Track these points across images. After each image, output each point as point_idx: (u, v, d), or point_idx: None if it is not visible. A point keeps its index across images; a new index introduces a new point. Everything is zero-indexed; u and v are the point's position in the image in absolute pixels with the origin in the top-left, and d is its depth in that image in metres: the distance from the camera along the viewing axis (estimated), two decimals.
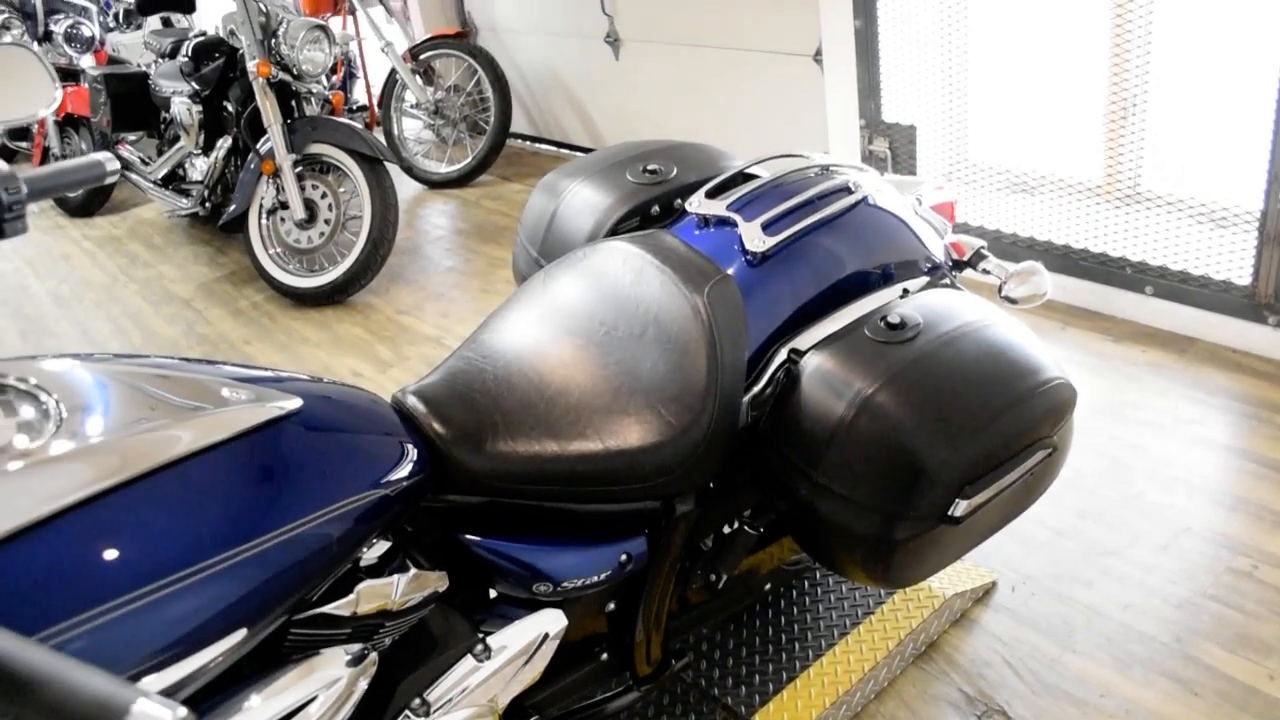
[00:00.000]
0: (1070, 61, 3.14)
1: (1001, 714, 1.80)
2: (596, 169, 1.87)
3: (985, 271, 1.86)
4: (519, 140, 5.68)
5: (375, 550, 1.26)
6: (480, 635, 1.38)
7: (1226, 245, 2.78)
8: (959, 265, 1.88)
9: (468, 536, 1.36)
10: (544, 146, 5.57)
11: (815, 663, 1.87)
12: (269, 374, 1.25)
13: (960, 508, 1.38)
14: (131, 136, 5.06)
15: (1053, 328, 3.03)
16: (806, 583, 2.06)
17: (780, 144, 3.92)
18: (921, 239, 1.76)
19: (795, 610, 1.99)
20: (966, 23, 3.26)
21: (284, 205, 3.95)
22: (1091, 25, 3.00)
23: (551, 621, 1.42)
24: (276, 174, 3.90)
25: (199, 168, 4.48)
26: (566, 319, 1.52)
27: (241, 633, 1.03)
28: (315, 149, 3.90)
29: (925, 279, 1.74)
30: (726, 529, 1.69)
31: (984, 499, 1.41)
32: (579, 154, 5.34)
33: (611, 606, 1.57)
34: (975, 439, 1.39)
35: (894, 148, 3.49)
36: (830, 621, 1.96)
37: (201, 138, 4.39)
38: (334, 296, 3.96)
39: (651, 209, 1.81)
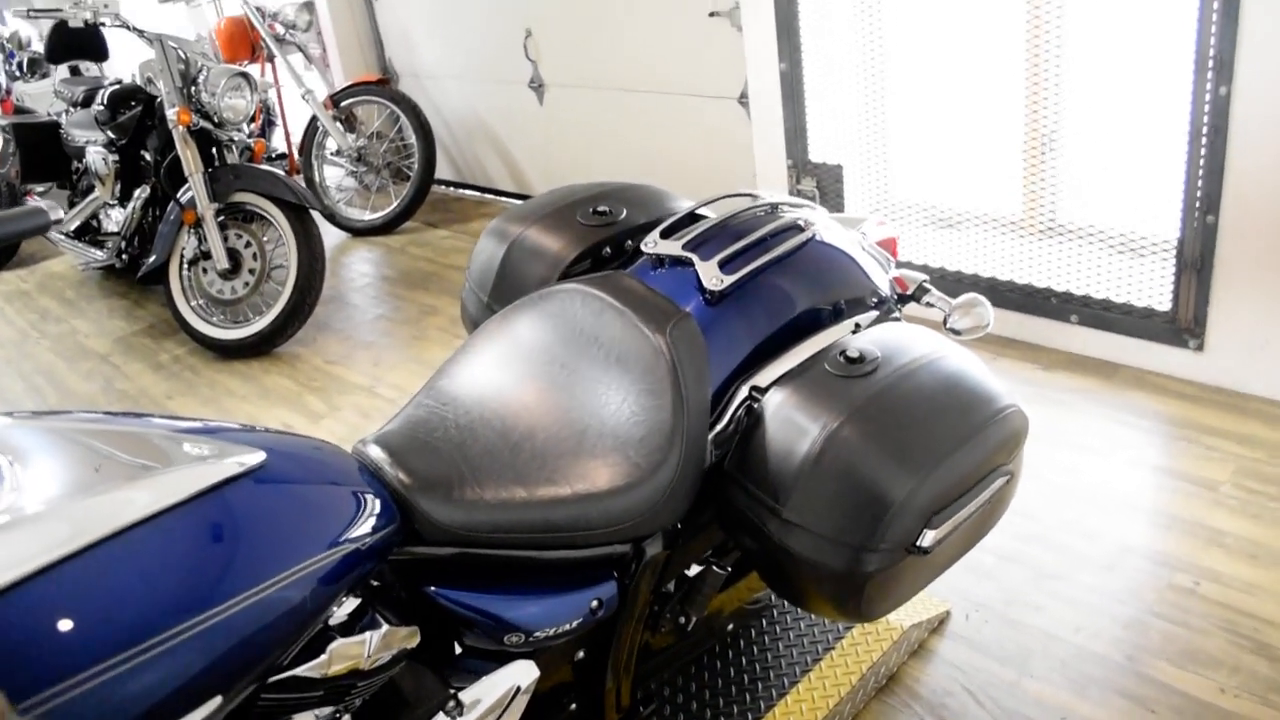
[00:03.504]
0: (987, 99, 3.25)
1: None
2: (545, 212, 1.86)
3: (929, 304, 1.90)
4: (443, 186, 5.65)
5: (344, 608, 1.22)
6: (452, 691, 1.34)
7: (1146, 273, 2.88)
8: (903, 299, 1.92)
9: (435, 590, 1.32)
10: (469, 192, 5.55)
11: (780, 701, 1.86)
12: (228, 426, 1.21)
13: (928, 538, 1.40)
14: (40, 188, 4.90)
15: (985, 358, 3.09)
16: (765, 621, 2.05)
17: (708, 186, 3.96)
18: (869, 274, 1.78)
19: (756, 649, 1.98)
20: (885, 63, 3.35)
21: (206, 255, 3.86)
22: (1006, 63, 3.11)
23: (523, 673, 1.39)
24: (198, 224, 3.81)
25: (114, 218, 4.36)
26: (527, 363, 1.51)
27: (216, 701, 0.98)
28: (239, 197, 3.83)
29: (874, 313, 1.76)
30: (692, 570, 1.68)
31: (950, 528, 1.43)
32: (505, 199, 5.32)
33: (580, 655, 1.54)
34: (940, 469, 1.40)
35: (821, 186, 3.56)
36: (792, 659, 1.96)
37: (118, 188, 4.28)
38: (260, 348, 3.87)
39: (603, 250, 1.81)
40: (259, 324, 3.85)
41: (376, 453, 1.33)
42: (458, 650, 1.39)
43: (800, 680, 1.91)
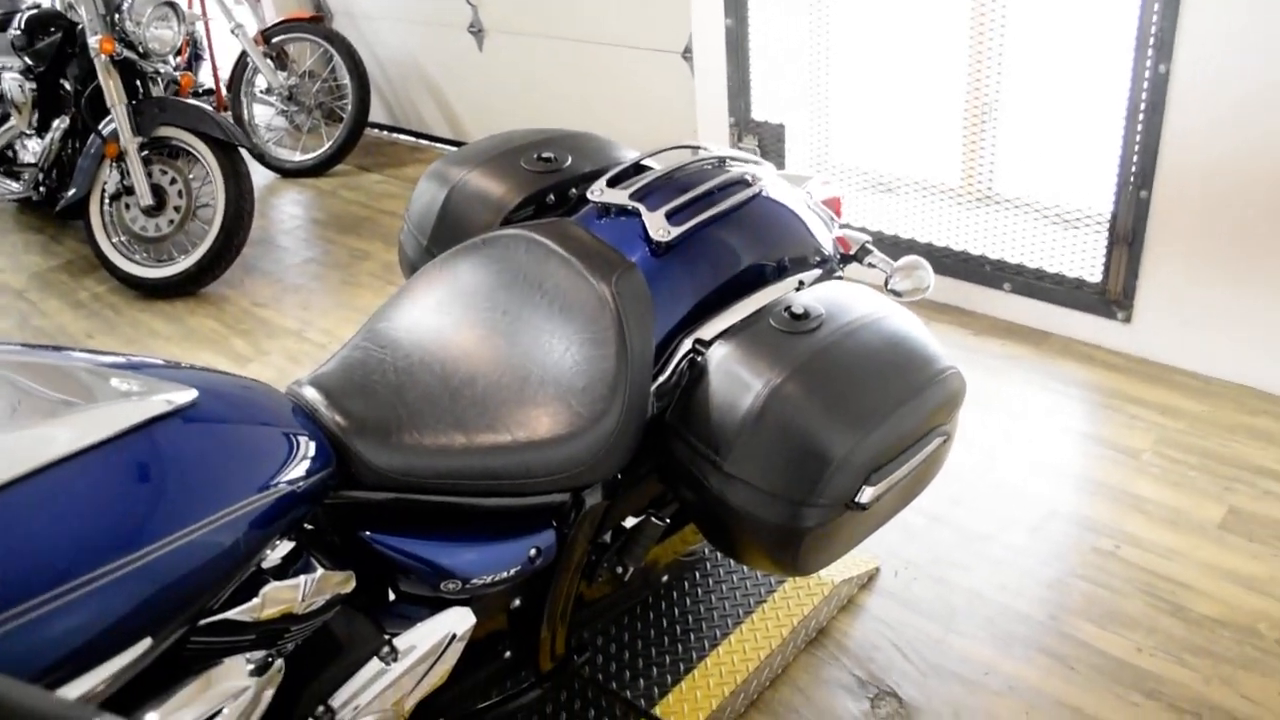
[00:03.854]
0: (929, 65, 3.26)
1: (893, 695, 1.85)
2: (488, 156, 1.82)
3: (871, 265, 1.90)
4: (377, 130, 5.52)
5: (278, 551, 1.19)
6: (386, 637, 1.32)
7: (1079, 245, 2.93)
8: (845, 259, 1.92)
9: (371, 535, 1.29)
10: (403, 137, 5.43)
11: (712, 652, 1.87)
12: (156, 363, 1.17)
13: (866, 494, 1.41)
14: None
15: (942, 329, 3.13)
16: (699, 574, 2.06)
17: (648, 141, 3.93)
18: (813, 232, 1.78)
19: (689, 601, 1.99)
20: (831, 26, 3.34)
21: (129, 191, 3.72)
22: (949, 33, 3.12)
23: (459, 620, 1.37)
24: (121, 157, 3.67)
25: (31, 149, 4.18)
26: (469, 308, 1.47)
27: (145, 643, 0.95)
28: (164, 132, 3.69)
29: (817, 272, 1.76)
30: (630, 521, 1.67)
31: (888, 485, 1.44)
32: (441, 146, 5.22)
33: (517, 603, 1.53)
34: (880, 427, 1.41)
35: (763, 145, 3.54)
36: (724, 611, 1.97)
37: (35, 117, 4.09)
38: (185, 287, 3.75)
39: (547, 197, 1.77)
40: (184, 263, 3.73)
41: (312, 394, 1.29)
42: (393, 596, 1.37)
43: (732, 632, 1.92)
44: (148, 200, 3.70)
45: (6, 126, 4.21)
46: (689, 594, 2.00)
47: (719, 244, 1.63)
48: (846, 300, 1.56)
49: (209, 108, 3.72)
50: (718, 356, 1.48)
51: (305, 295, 3.79)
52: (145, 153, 3.70)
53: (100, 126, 3.70)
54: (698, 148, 1.85)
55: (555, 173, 1.79)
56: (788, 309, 1.50)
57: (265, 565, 1.17)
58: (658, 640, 1.90)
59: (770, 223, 1.71)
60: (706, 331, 1.55)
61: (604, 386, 1.38)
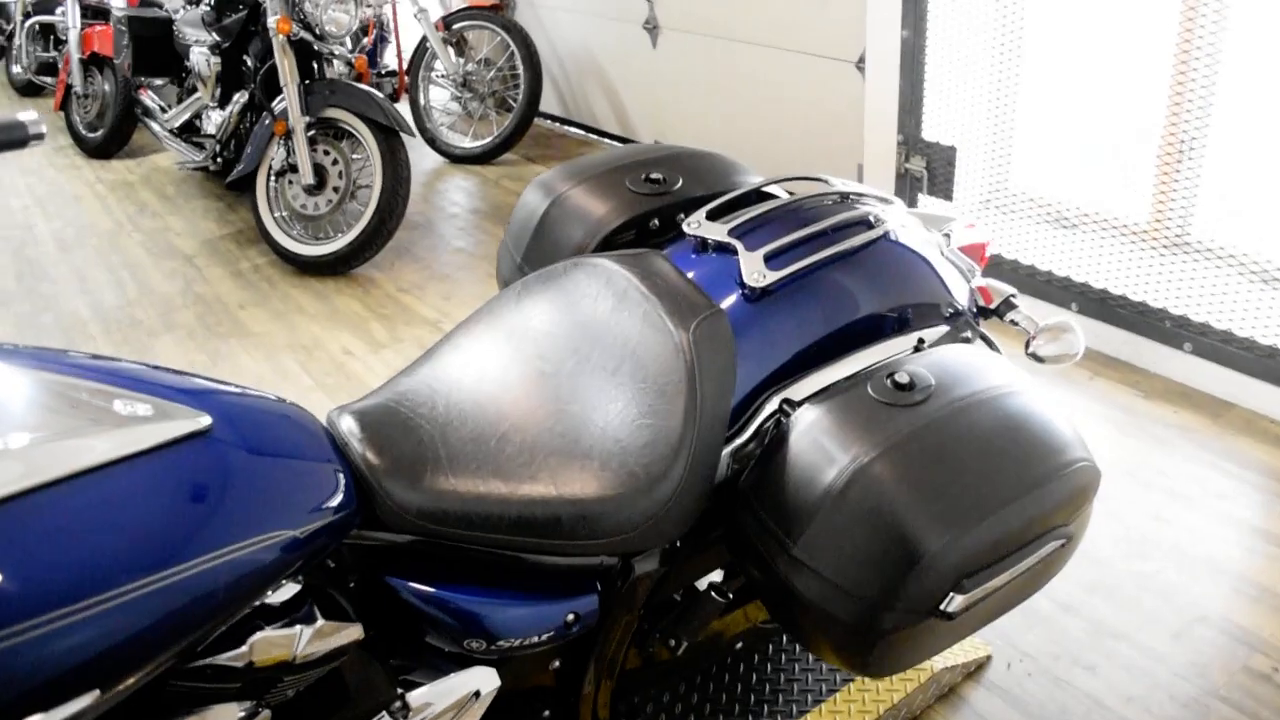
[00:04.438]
0: (1127, 93, 2.95)
1: None
2: (595, 172, 1.71)
3: (1013, 323, 1.69)
4: (548, 121, 5.52)
5: (280, 593, 1.11)
6: (400, 691, 1.23)
7: (1278, 308, 2.59)
8: (984, 313, 1.72)
9: (395, 580, 1.21)
10: (573, 130, 5.41)
11: None
12: (177, 383, 1.10)
13: (955, 602, 1.22)
14: (157, 82, 4.94)
15: (1081, 376, 2.85)
16: (778, 643, 1.89)
17: (813, 152, 3.75)
18: (945, 282, 1.59)
19: (763, 672, 1.83)
20: (1020, 43, 3.07)
21: (293, 168, 3.81)
22: (1153, 57, 2.81)
23: (483, 680, 1.27)
24: (288, 135, 3.76)
25: (214, 121, 4.35)
26: (536, 343, 1.36)
27: (93, 694, 0.88)
28: (331, 113, 3.76)
29: (945, 327, 1.57)
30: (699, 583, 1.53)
31: (983, 594, 1.25)
32: (609, 141, 5.16)
33: (557, 664, 1.42)
34: (981, 526, 1.22)
35: (931, 168, 3.31)
36: (805, 685, 1.80)
37: (218, 91, 4.26)
38: (336, 267, 3.82)
39: (650, 222, 1.65)
40: (338, 243, 3.80)
41: (348, 425, 1.21)
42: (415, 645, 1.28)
43: (809, 710, 1.75)
44: (309, 179, 3.78)
45: (194, 98, 4.41)
46: (765, 664, 1.84)
47: (826, 292, 1.46)
48: (964, 369, 1.37)
49: (376, 93, 3.76)
50: (803, 423, 1.32)
51: (450, 285, 3.79)
52: (311, 132, 3.78)
53: (273, 104, 3.80)
54: (823, 180, 1.69)
55: (662, 195, 1.66)
56: (890, 375, 1.33)
57: (266, 603, 1.10)
58: (722, 712, 1.75)
59: (891, 270, 1.53)
60: (797, 391, 1.39)
61: (666, 446, 1.24)
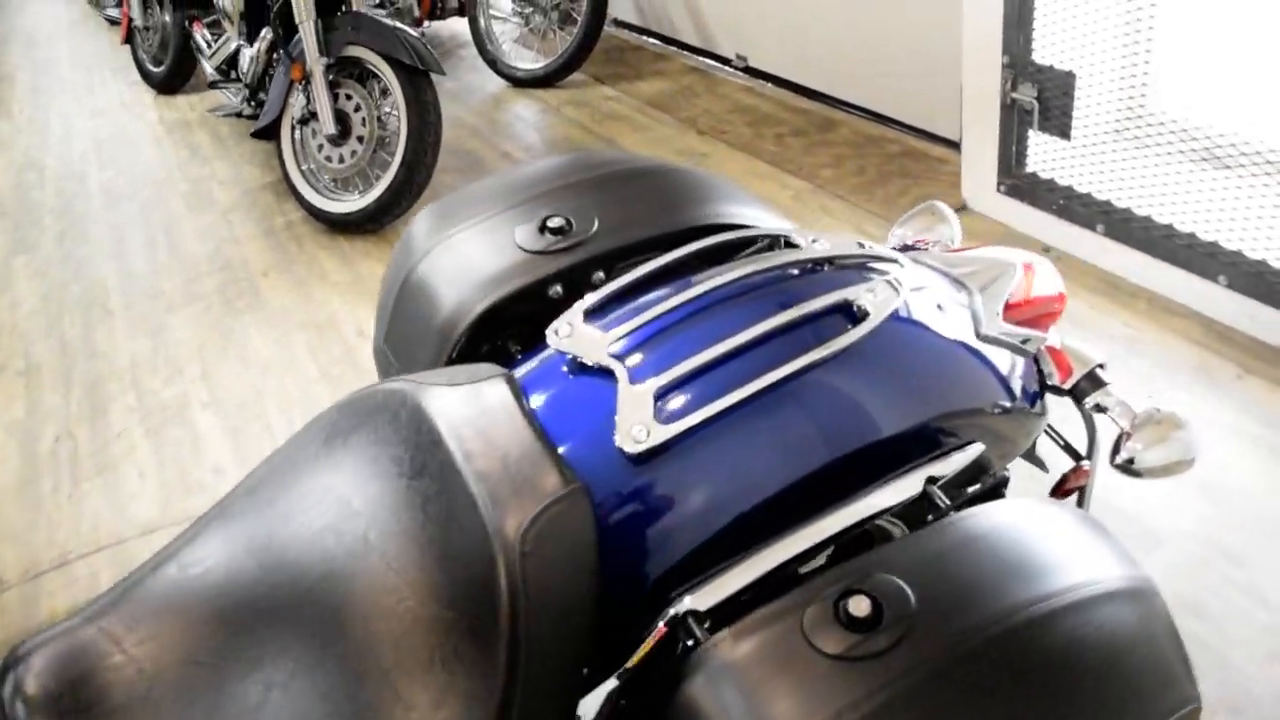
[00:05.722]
0: None
1: None
2: (477, 216, 1.23)
3: (1098, 410, 1.17)
4: (624, 31, 4.95)
5: None
6: None
7: None
8: (1054, 391, 1.20)
9: None
10: (650, 40, 4.82)
11: None
12: None
13: None
14: (209, 17, 4.61)
15: (1225, 374, 2.24)
16: None
17: (911, 77, 3.12)
18: (977, 378, 1.07)
19: None
20: None
21: (314, 116, 3.42)
22: None
23: None
24: (306, 80, 3.36)
25: (247, 60, 3.99)
26: (314, 539, 0.92)
27: None
28: (353, 52, 3.33)
29: (975, 449, 1.05)
30: None
31: None
32: (687, 55, 4.56)
33: None
34: None
35: (1043, 98, 2.66)
36: None
37: (244, 27, 3.88)
38: (364, 225, 3.45)
39: (550, 289, 1.17)
40: (364, 199, 3.41)
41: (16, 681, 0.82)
42: None
43: None
44: (330, 128, 3.39)
45: (224, 38, 4.05)
46: None
47: (770, 433, 0.96)
48: (972, 573, 0.85)
49: (404, 28, 3.30)
50: (711, 666, 0.84)
51: None
52: (333, 75, 3.37)
53: (290, 44, 3.40)
54: (795, 241, 1.16)
55: (566, 252, 1.17)
56: (839, 603, 0.83)
57: None
58: None
59: (886, 376, 1.01)
60: (708, 595, 0.92)
61: (481, 713, 0.81)
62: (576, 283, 1.17)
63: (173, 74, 5.16)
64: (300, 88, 3.41)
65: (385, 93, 3.37)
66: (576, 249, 1.17)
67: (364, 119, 3.41)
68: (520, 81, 4.53)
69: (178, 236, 3.76)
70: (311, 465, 0.98)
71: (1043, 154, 2.73)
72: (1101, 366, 1.19)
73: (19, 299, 3.55)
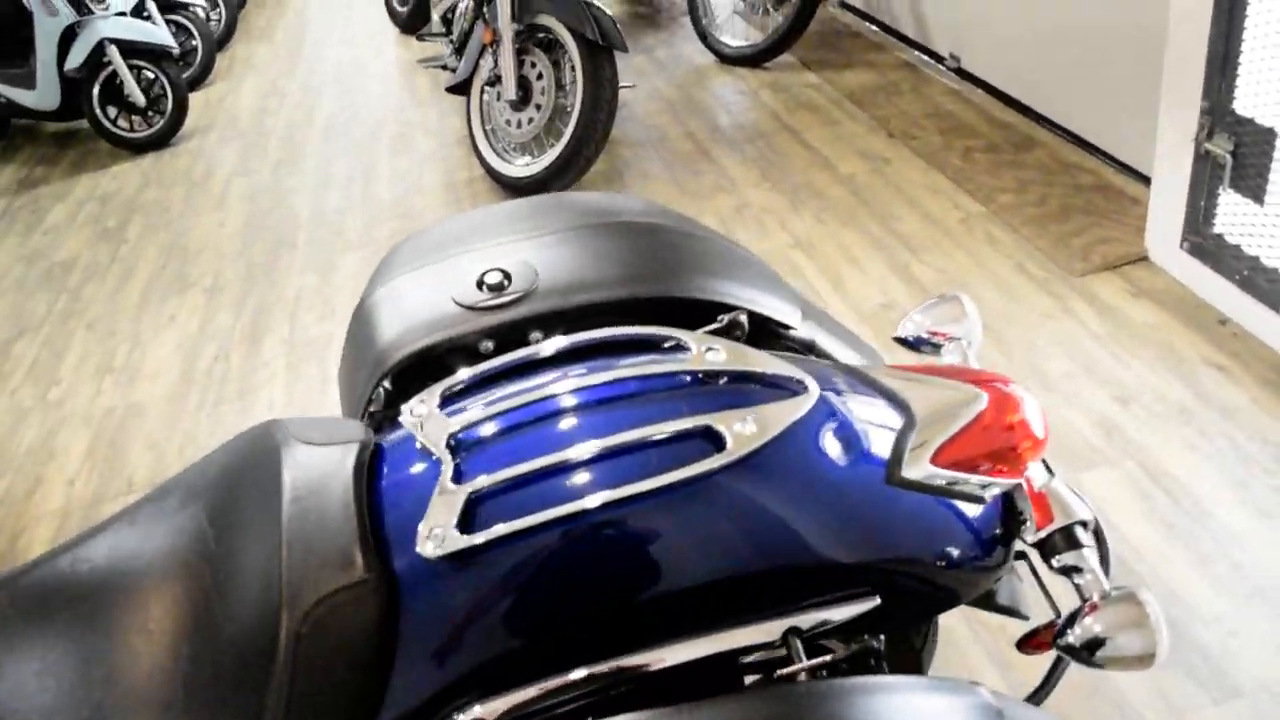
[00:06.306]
0: None
1: None
2: (433, 258, 1.23)
3: (1072, 572, 1.01)
4: (850, 14, 4.75)
5: None
6: None
7: None
8: (1020, 540, 1.07)
9: None
10: (869, 27, 4.60)
11: None
12: None
13: None
14: None
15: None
16: None
17: (1114, 99, 2.83)
18: (876, 524, 0.96)
19: None
20: None
21: (500, 80, 3.51)
22: None
23: None
24: (495, 43, 3.45)
25: (459, 13, 4.13)
26: (124, 590, 0.95)
27: None
28: (542, 20, 3.38)
29: (866, 604, 0.95)
30: None
31: None
32: (905, 48, 4.32)
33: None
34: None
35: (1239, 153, 2.34)
36: None
37: None
38: (531, 191, 3.52)
39: (482, 345, 1.16)
40: (534, 165, 3.49)
41: None
42: None
43: None
44: (511, 93, 3.47)
45: None
46: None
47: (595, 553, 0.90)
48: None
49: (596, 3, 3.29)
50: None
51: None
52: (520, 42, 3.43)
53: (485, 7, 3.50)
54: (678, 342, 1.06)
55: (499, 309, 1.15)
56: None
57: None
58: None
59: (741, 511, 0.91)
60: (494, 707, 0.89)
61: None
62: (510, 340, 1.15)
63: (414, 15, 5.42)
64: (491, 50, 3.50)
65: (570, 64, 3.40)
66: (509, 307, 1.15)
67: (544, 88, 3.47)
68: (727, 58, 4.45)
69: (374, 178, 3.98)
70: (191, 492, 1.02)
71: (1233, 215, 2.42)
72: (1084, 524, 1.04)
73: (227, 219, 3.88)
